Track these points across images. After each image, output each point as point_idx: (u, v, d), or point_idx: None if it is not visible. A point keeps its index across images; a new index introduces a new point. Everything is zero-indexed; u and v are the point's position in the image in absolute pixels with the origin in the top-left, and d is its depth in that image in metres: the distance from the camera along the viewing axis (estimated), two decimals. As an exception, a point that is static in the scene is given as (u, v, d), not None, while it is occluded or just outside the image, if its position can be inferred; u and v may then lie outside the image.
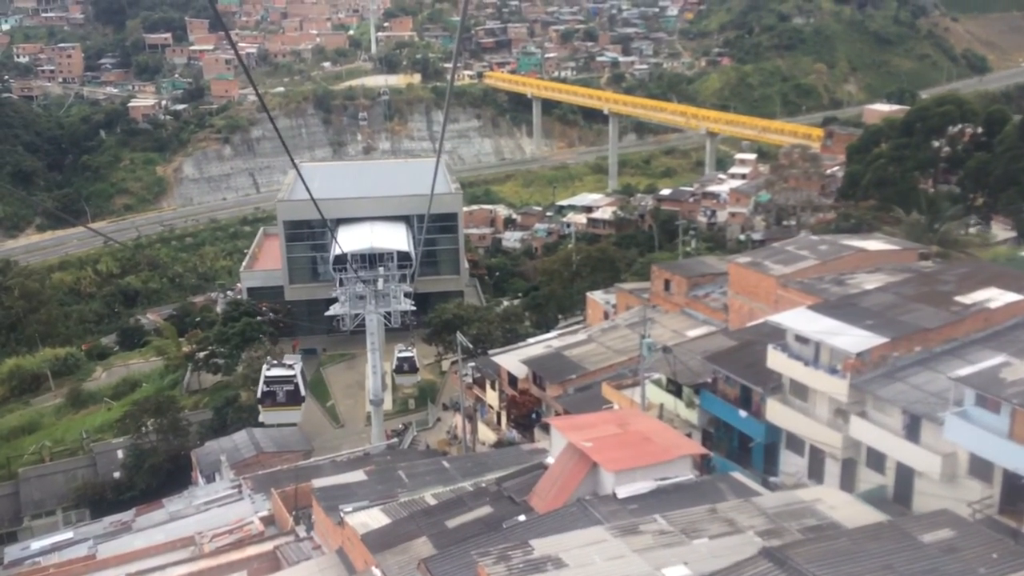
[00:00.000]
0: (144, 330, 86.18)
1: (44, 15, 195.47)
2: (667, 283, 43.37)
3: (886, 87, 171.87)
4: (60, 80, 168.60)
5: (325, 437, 54.29)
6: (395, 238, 65.23)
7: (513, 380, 42.39)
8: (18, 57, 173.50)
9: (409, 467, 28.11)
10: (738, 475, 21.96)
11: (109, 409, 64.27)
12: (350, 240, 61.33)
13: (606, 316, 47.79)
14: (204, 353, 63.59)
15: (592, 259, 64.17)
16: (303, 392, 43.70)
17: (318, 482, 27.31)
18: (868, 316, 25.67)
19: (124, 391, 68.88)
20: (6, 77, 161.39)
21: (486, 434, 44.91)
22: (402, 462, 31.43)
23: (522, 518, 20.64)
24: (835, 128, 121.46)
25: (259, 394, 44.12)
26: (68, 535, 36.37)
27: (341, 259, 56.59)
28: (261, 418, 46.43)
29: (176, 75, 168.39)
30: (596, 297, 49.61)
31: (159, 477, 47.15)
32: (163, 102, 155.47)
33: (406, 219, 70.47)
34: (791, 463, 26.20)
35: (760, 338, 30.53)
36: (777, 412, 25.89)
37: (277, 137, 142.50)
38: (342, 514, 23.28)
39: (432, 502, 23.30)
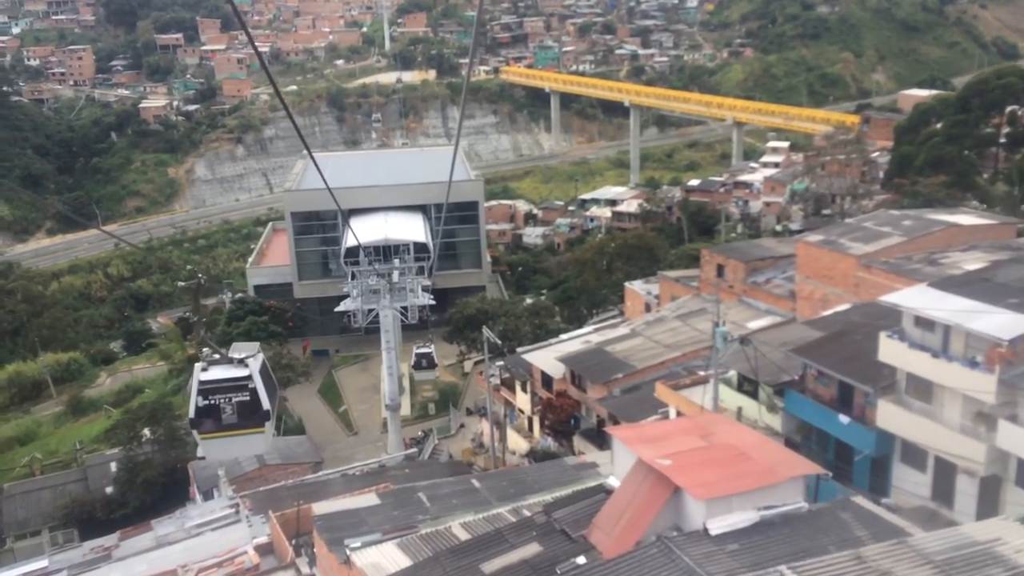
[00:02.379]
0: (150, 333, 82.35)
1: (55, 18, 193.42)
2: (720, 269, 38.23)
3: (915, 76, 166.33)
4: (71, 83, 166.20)
5: (337, 446, 49.87)
6: (411, 228, 60.50)
7: (548, 381, 37.36)
8: (29, 60, 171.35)
9: (431, 488, 23.13)
10: (862, 500, 16.81)
11: (109, 417, 60.07)
12: (363, 231, 56.62)
13: (648, 308, 42.77)
14: (208, 356, 59.12)
15: (629, 247, 58.72)
16: (266, 404, 23.71)
17: (319, 507, 22.40)
18: (1009, 293, 20.43)
19: (126, 397, 64.88)
20: (17, 80, 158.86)
21: (517, 442, 39.96)
22: (422, 479, 26.54)
23: (582, 560, 15.64)
24: (872, 114, 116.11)
25: (191, 412, 24.30)
26: (43, 564, 31.71)
27: (353, 251, 52.13)
28: (200, 451, 30.93)
29: (188, 76, 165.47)
30: (636, 287, 44.54)
31: (154, 493, 42.69)
32: (175, 103, 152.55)
33: (423, 209, 65.80)
34: (908, 480, 20.99)
35: (850, 326, 25.40)
36: (891, 416, 20.68)
37: (290, 136, 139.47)
38: (348, 551, 18.44)
39: (462, 535, 18.39)
